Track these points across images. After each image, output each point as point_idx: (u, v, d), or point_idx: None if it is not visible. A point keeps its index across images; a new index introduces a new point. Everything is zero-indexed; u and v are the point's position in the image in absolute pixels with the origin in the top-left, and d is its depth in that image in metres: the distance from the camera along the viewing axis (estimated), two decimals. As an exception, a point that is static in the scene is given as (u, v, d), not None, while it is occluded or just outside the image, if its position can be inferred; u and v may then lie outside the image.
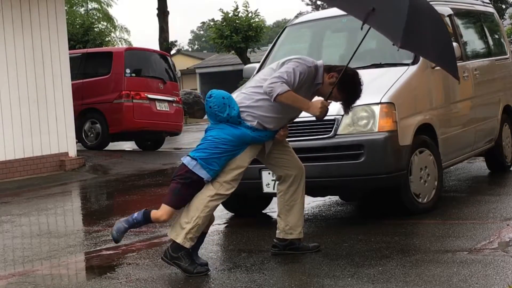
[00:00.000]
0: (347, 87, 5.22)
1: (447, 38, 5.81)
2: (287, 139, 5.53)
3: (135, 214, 5.13)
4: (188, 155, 5.06)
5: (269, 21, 77.01)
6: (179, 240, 5.02)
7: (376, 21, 5.09)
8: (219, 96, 5.04)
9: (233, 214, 7.27)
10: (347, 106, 5.33)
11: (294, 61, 5.17)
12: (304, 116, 6.37)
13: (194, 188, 5.02)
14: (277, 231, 5.51)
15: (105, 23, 39.48)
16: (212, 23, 29.13)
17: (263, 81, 5.17)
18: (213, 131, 5.07)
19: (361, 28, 5.13)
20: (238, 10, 28.06)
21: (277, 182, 5.54)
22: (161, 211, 5.04)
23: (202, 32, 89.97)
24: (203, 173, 4.99)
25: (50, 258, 6.01)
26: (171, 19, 33.56)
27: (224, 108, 5.02)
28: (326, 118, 6.23)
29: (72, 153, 12.71)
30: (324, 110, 5.16)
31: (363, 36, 5.33)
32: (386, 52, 7.44)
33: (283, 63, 5.19)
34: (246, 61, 26.77)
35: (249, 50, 28.19)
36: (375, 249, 5.46)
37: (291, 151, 5.49)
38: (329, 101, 5.22)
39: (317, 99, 5.25)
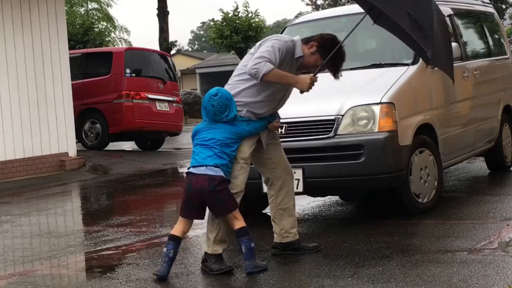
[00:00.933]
0: (329, 53, 5.19)
1: (449, 39, 5.93)
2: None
3: (243, 247, 4.99)
4: (207, 165, 4.95)
5: (269, 21, 77.08)
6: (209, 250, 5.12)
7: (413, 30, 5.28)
8: (224, 96, 5.03)
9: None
10: (336, 71, 5.31)
11: (270, 40, 5.21)
12: (304, 116, 6.39)
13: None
14: (274, 235, 5.53)
15: (105, 23, 39.52)
16: (212, 23, 29.17)
17: (244, 67, 5.19)
18: (214, 133, 5.03)
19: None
20: (238, 10, 28.12)
21: (266, 186, 5.54)
22: (234, 219, 5.01)
23: (202, 32, 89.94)
24: (226, 176, 5.04)
25: (50, 258, 6.01)
26: (171, 19, 33.57)
27: (224, 109, 5.01)
28: (326, 118, 6.29)
29: (72, 153, 12.70)
30: (312, 85, 5.16)
31: (357, 23, 5.53)
32: (386, 52, 7.45)
33: (260, 44, 5.22)
34: (246, 61, 26.74)
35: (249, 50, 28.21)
36: (375, 249, 5.46)
37: (281, 153, 5.46)
38: (317, 76, 5.21)
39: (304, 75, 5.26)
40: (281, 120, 6.24)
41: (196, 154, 5.06)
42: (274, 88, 5.18)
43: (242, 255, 5.02)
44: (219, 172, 4.96)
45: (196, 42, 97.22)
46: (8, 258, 6.09)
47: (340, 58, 5.29)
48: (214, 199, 4.99)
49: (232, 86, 5.22)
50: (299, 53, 5.25)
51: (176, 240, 5.04)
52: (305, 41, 5.29)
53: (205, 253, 5.16)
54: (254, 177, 5.84)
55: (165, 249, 5.02)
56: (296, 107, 6.48)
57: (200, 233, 6.36)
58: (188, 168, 5.10)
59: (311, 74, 5.21)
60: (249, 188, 5.90)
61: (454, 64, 7.52)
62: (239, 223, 5.01)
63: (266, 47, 5.12)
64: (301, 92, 5.24)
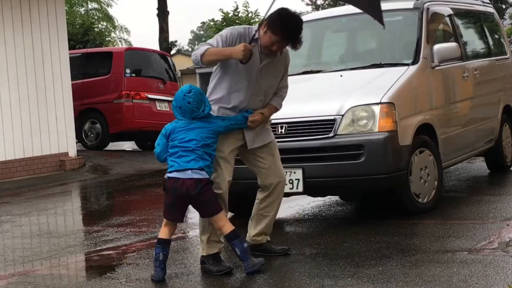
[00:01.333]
0: (277, 25, 5.04)
1: None
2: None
3: (237, 250, 4.98)
4: (192, 168, 4.94)
5: (269, 21, 76.84)
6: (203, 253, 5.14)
7: None
8: (197, 92, 5.05)
9: (233, 214, 7.27)
10: (294, 43, 5.13)
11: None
12: (304, 116, 6.39)
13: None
14: (247, 234, 5.51)
15: (105, 23, 39.48)
16: (212, 23, 29.17)
17: (214, 68, 5.32)
18: (193, 134, 5.00)
19: None
20: (238, 10, 28.11)
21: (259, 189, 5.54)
22: (221, 222, 5.00)
23: (202, 32, 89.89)
24: (210, 176, 5.05)
25: (50, 258, 6.01)
26: (171, 19, 33.56)
27: (200, 105, 5.01)
28: (326, 118, 6.29)
29: (72, 153, 12.71)
30: (247, 52, 4.97)
31: None
32: (386, 52, 7.45)
33: None
34: (246, 61, 26.76)
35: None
36: (375, 249, 5.46)
37: (275, 161, 5.41)
38: (252, 44, 5.08)
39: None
40: (281, 120, 6.28)
41: (177, 157, 5.03)
42: (235, 78, 5.17)
43: (238, 257, 5.02)
44: (204, 175, 4.96)
45: (196, 42, 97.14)
46: (8, 258, 6.09)
47: (291, 27, 5.07)
48: (201, 201, 4.99)
49: (208, 88, 5.36)
50: (256, 35, 5.18)
51: (163, 243, 5.03)
52: (260, 24, 5.21)
53: (202, 256, 5.18)
54: (253, 177, 5.85)
55: (154, 254, 5.03)
56: (296, 107, 6.48)
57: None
58: (170, 172, 5.04)
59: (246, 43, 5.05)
60: (249, 188, 5.93)
61: (453, 64, 7.55)
62: (227, 227, 5.00)
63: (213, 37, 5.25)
64: (241, 62, 5.04)
